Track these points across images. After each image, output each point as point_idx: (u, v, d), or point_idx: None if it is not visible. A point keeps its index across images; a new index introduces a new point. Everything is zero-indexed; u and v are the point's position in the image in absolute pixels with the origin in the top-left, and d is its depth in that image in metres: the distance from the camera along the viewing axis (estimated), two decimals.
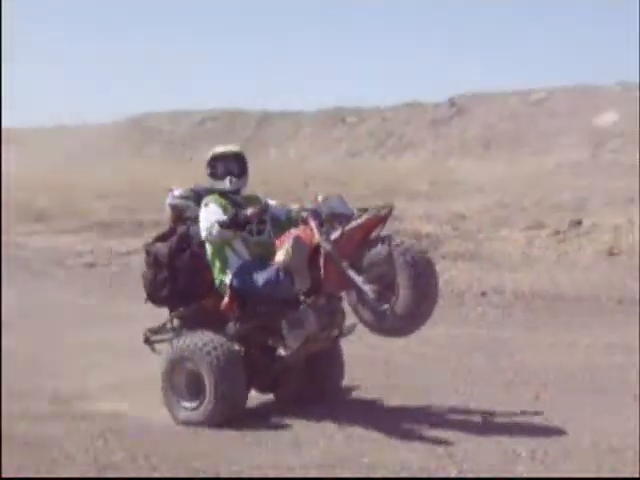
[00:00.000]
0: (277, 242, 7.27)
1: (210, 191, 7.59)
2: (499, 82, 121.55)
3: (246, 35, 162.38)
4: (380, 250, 6.76)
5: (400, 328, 6.87)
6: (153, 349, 7.73)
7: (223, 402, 7.09)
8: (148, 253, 7.64)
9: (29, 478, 6.12)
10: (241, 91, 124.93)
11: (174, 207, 7.79)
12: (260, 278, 7.14)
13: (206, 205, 7.41)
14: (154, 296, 7.61)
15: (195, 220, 7.53)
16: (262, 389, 7.68)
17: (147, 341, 7.77)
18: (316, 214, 7.04)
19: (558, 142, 40.01)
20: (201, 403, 7.18)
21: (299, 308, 7.01)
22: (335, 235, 6.89)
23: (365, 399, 8.00)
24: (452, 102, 47.58)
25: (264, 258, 7.28)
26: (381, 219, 6.96)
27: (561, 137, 40.45)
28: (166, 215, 7.94)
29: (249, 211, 7.24)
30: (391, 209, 6.96)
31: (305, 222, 7.12)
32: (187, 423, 7.19)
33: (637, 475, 5.92)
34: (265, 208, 7.42)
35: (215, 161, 7.59)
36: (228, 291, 7.28)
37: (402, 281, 6.64)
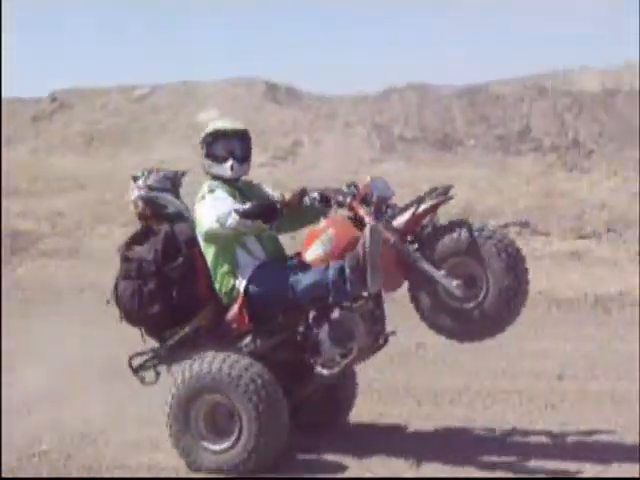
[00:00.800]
0: (308, 235, 6.04)
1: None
2: (103, 78, 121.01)
3: None
4: (459, 237, 5.70)
5: (485, 331, 5.81)
6: (142, 380, 6.26)
7: (266, 438, 5.69)
8: (127, 260, 6.03)
9: (29, 478, 5.96)
10: None
11: (148, 201, 6.14)
12: (303, 280, 5.78)
13: (211, 191, 5.92)
14: (137, 314, 6.02)
15: (178, 217, 6.12)
16: None
17: (135, 370, 6.26)
18: (364, 198, 5.86)
19: (161, 138, 40.53)
20: (236, 442, 5.75)
21: (340, 315, 5.75)
22: (400, 222, 5.78)
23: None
24: (53, 97, 46.86)
25: (278, 256, 6.08)
26: (442, 202, 5.85)
27: (164, 133, 41.02)
28: (133, 211, 6.25)
29: (287, 196, 5.98)
30: (449, 187, 5.82)
31: (343, 207, 5.93)
32: (216, 470, 5.76)
33: (637, 475, 5.74)
34: (304, 192, 6.04)
35: (214, 139, 6.11)
36: (240, 299, 5.89)
37: (493, 275, 5.63)
